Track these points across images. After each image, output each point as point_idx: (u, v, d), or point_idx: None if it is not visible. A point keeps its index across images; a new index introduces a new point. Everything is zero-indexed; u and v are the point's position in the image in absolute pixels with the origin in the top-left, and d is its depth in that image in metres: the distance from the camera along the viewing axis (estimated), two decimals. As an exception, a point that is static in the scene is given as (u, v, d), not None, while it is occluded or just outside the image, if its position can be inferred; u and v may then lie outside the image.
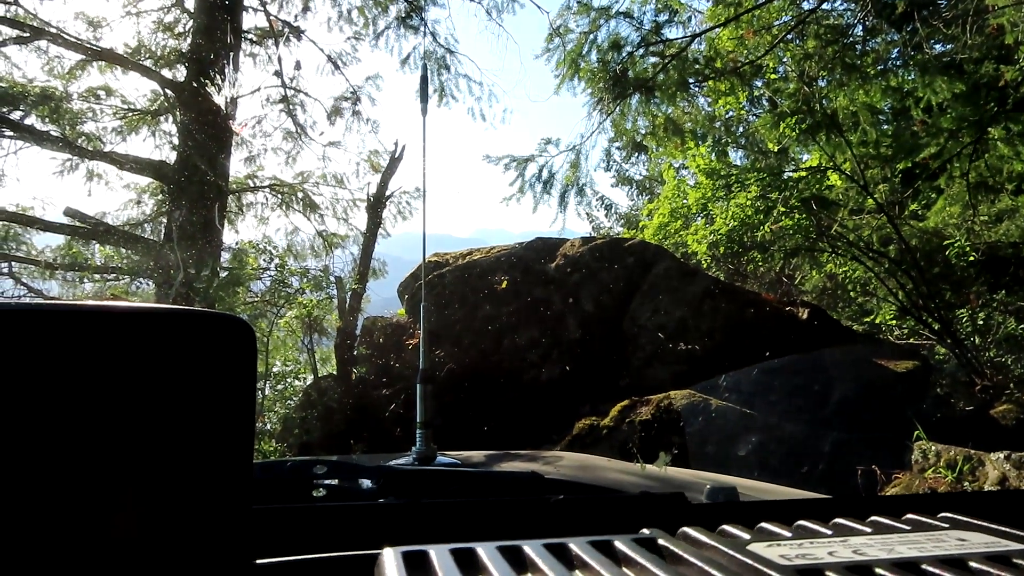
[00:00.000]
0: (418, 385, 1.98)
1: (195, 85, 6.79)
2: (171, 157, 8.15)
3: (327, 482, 1.13)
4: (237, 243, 8.64)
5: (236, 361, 0.51)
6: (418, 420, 1.93)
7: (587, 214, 15.40)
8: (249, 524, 0.53)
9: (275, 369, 8.45)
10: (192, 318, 0.51)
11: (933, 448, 5.01)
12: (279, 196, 9.03)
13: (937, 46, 7.11)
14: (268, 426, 8.08)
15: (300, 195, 9.10)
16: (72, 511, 0.47)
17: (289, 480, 1.14)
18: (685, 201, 9.49)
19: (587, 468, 2.18)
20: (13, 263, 7.73)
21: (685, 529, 0.51)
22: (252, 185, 8.96)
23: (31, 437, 0.46)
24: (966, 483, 4.64)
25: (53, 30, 7.14)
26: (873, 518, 0.54)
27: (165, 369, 0.49)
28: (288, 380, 8.49)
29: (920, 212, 8.50)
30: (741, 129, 10.81)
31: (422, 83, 1.87)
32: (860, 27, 7.26)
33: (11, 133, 7.08)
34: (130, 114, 8.19)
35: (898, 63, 7.25)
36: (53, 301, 0.60)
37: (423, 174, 1.87)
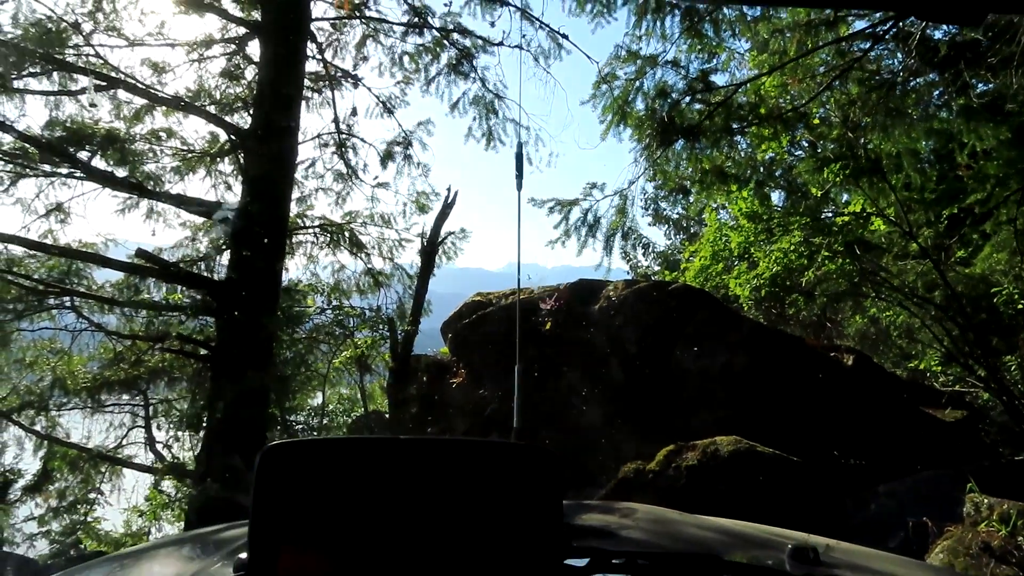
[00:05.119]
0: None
1: (259, 131, 7.08)
2: (227, 196, 8.47)
3: None
4: (288, 281, 8.88)
5: (544, 485, 0.64)
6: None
7: (624, 253, 15.49)
8: None
9: (321, 402, 8.60)
10: (511, 449, 0.65)
11: (986, 501, 4.94)
12: (328, 235, 9.28)
13: (980, 86, 7.11)
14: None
15: (347, 234, 9.34)
16: None
17: None
18: (727, 242, 9.54)
19: (662, 522, 2.26)
20: (76, 298, 8.04)
21: None
22: (302, 224, 9.22)
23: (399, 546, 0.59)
24: (1020, 537, 4.56)
25: (125, 77, 7.51)
26: None
27: (491, 488, 0.62)
28: (338, 416, 8.65)
29: (966, 258, 8.42)
30: (782, 172, 10.84)
31: (517, 161, 2.00)
32: (902, 71, 7.30)
33: (81, 174, 7.43)
34: (190, 155, 8.54)
35: (940, 106, 7.27)
36: (412, 437, 0.75)
37: (519, 247, 1.98)
